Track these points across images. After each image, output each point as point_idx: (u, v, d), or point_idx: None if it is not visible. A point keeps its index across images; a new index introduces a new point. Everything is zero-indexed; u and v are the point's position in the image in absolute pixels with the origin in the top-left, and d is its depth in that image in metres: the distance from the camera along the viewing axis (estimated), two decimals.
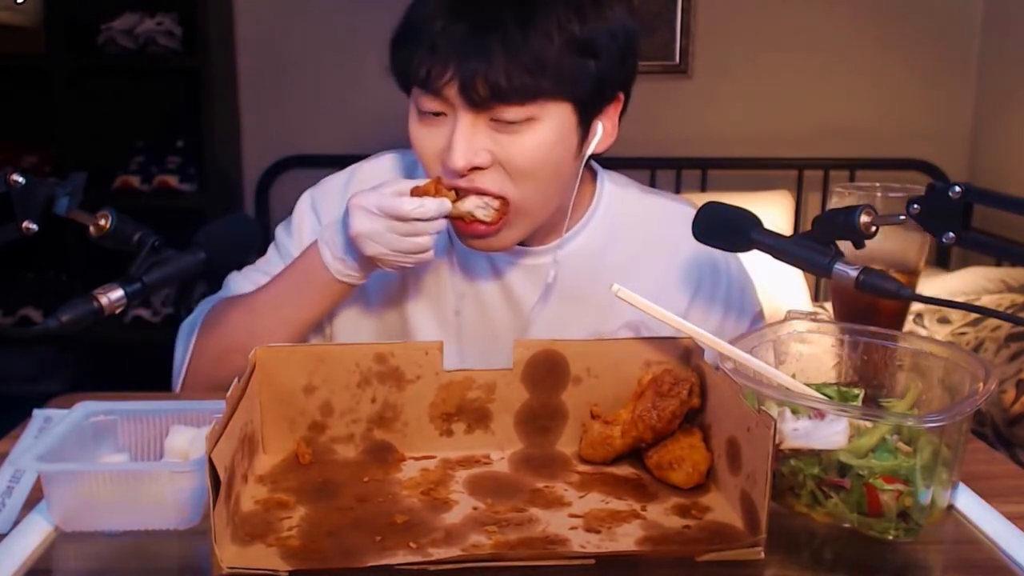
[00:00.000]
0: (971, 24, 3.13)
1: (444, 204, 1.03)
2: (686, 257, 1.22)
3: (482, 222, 1.07)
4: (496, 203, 1.07)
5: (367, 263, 1.09)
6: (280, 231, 1.27)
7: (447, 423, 0.97)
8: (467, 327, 1.22)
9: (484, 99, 1.00)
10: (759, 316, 1.28)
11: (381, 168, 1.26)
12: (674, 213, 1.24)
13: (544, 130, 1.04)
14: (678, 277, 1.22)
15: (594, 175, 1.24)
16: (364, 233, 1.04)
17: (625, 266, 1.20)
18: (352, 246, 1.08)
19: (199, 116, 2.99)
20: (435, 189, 1.04)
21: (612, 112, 1.11)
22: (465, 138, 1.02)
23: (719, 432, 0.89)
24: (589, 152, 1.11)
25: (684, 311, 1.21)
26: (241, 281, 1.24)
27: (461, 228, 1.09)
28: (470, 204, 1.06)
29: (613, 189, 1.23)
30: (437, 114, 1.05)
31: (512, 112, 1.01)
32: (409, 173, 1.23)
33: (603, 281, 1.14)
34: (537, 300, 1.20)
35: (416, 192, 1.04)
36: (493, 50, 0.98)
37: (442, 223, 1.05)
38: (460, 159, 1.02)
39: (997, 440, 1.95)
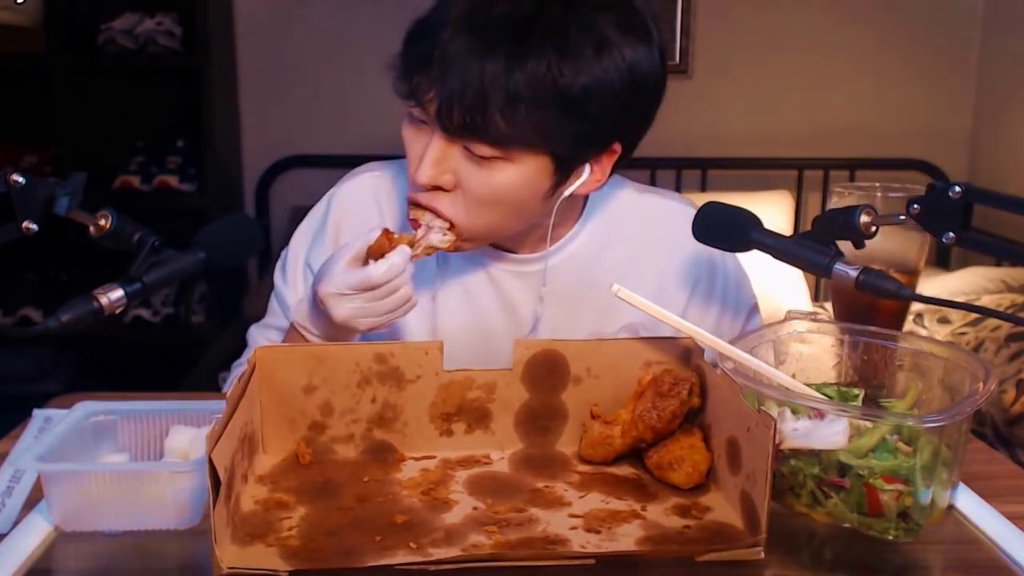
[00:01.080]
0: (971, 24, 3.13)
1: (406, 251, 1.03)
2: (684, 255, 1.22)
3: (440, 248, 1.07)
4: (446, 224, 1.06)
5: (340, 330, 1.09)
6: (277, 278, 1.26)
7: (447, 423, 0.97)
8: (445, 315, 1.20)
9: (457, 128, 0.99)
10: (754, 309, 1.28)
11: (358, 189, 1.24)
12: (670, 211, 1.24)
13: (513, 172, 1.02)
14: (676, 275, 1.22)
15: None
16: (349, 317, 1.04)
17: (623, 266, 1.20)
18: (338, 328, 1.07)
19: (199, 116, 2.98)
20: (389, 241, 1.03)
21: (605, 160, 1.08)
22: (434, 158, 1.02)
23: (719, 432, 0.89)
24: (568, 193, 1.08)
25: (683, 308, 1.21)
26: (259, 339, 1.25)
27: (412, 214, 1.09)
28: (433, 239, 1.06)
29: (608, 191, 1.23)
30: (423, 122, 1.04)
31: (484, 149, 1.00)
32: (387, 191, 1.22)
33: (600, 283, 1.15)
34: (535, 304, 1.19)
35: (372, 251, 1.03)
36: (475, 83, 0.96)
37: (412, 269, 1.04)
38: (424, 176, 1.02)
39: (997, 440, 1.95)
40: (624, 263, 1.20)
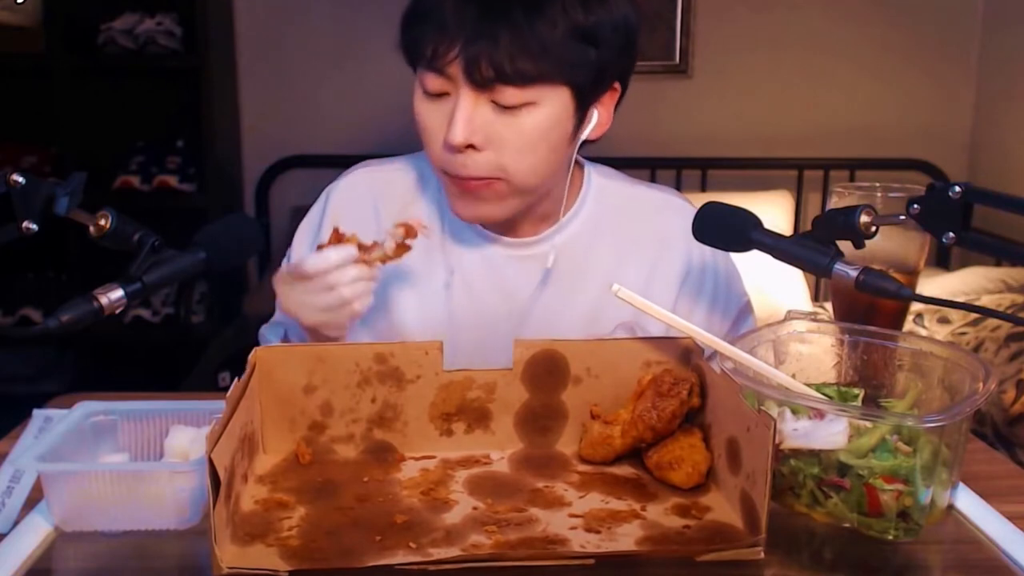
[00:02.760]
0: (971, 24, 3.13)
1: (348, 251, 1.04)
2: (675, 246, 1.23)
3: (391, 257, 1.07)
4: (400, 231, 1.06)
5: (315, 332, 1.10)
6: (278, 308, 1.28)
7: (447, 423, 0.97)
8: (457, 303, 1.21)
9: (487, 80, 1.02)
10: (747, 308, 1.29)
11: (354, 186, 1.26)
12: (662, 202, 1.26)
13: (542, 114, 1.06)
14: (667, 267, 1.24)
15: (581, 167, 1.25)
16: (292, 305, 1.07)
17: (615, 255, 1.22)
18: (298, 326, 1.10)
19: (199, 116, 2.98)
20: (338, 240, 1.05)
21: (608, 101, 1.14)
22: (466, 116, 1.04)
23: (719, 432, 0.89)
24: (583, 137, 1.13)
25: (672, 301, 1.22)
26: (272, 337, 1.26)
27: (454, 183, 1.10)
28: (388, 247, 1.07)
29: (601, 181, 1.25)
30: (440, 94, 1.07)
31: (512, 95, 1.03)
32: (383, 187, 1.24)
33: (595, 270, 1.19)
34: (534, 288, 1.20)
35: (320, 248, 1.05)
36: (499, 33, 1.00)
37: (357, 274, 1.04)
38: (459, 135, 1.04)
39: (997, 440, 1.95)
40: (616, 251, 1.22)
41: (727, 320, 1.26)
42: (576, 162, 1.22)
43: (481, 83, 1.03)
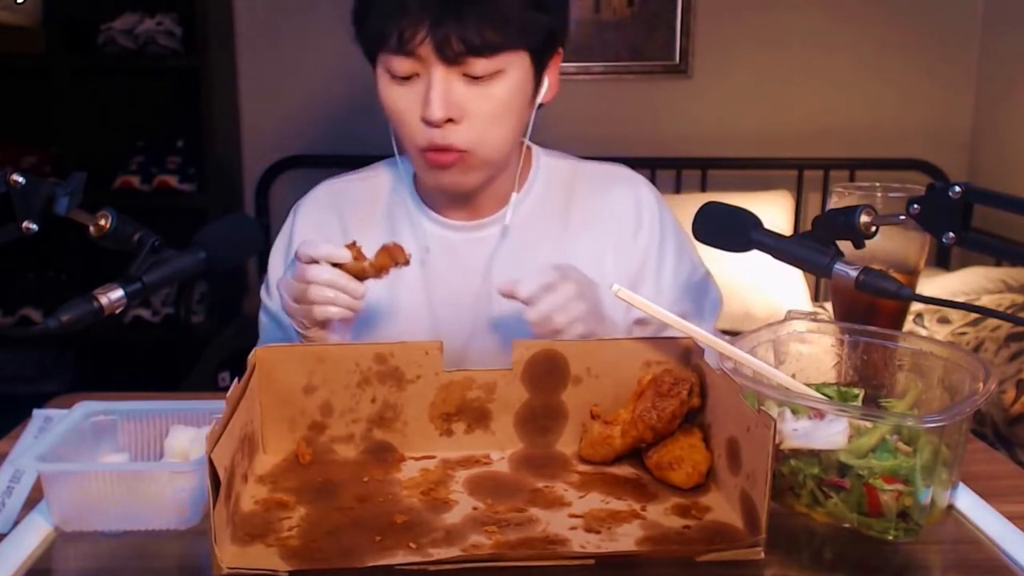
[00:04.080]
0: (971, 24, 3.13)
1: (336, 252, 1.04)
2: (624, 218, 1.28)
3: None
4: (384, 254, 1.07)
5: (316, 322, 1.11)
6: (263, 294, 1.32)
7: (447, 423, 0.97)
8: (434, 278, 1.25)
9: (457, 54, 1.07)
10: (706, 278, 1.32)
11: (316, 202, 1.32)
12: (610, 175, 1.31)
13: (510, 81, 1.11)
14: (618, 239, 1.27)
15: (530, 149, 1.30)
16: (287, 310, 1.08)
17: (567, 231, 1.26)
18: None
19: (199, 116, 2.98)
20: (390, 255, 1.06)
21: (555, 65, 1.20)
22: (441, 91, 1.08)
23: (719, 432, 0.89)
24: (539, 101, 1.19)
25: (626, 272, 1.26)
26: (264, 318, 1.31)
27: (430, 159, 1.13)
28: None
29: (549, 160, 1.30)
30: (409, 76, 1.10)
31: (482, 65, 1.08)
32: (346, 199, 1.30)
33: (546, 247, 1.24)
34: (489, 263, 1.24)
35: (375, 266, 1.06)
36: (464, 9, 1.05)
37: (330, 278, 1.04)
38: (438, 110, 1.08)
39: (997, 440, 1.95)
40: (568, 227, 1.27)
41: (678, 283, 1.29)
42: (526, 145, 1.28)
43: (452, 58, 1.07)
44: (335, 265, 1.04)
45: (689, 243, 1.31)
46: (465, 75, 1.09)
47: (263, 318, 1.32)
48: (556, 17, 1.15)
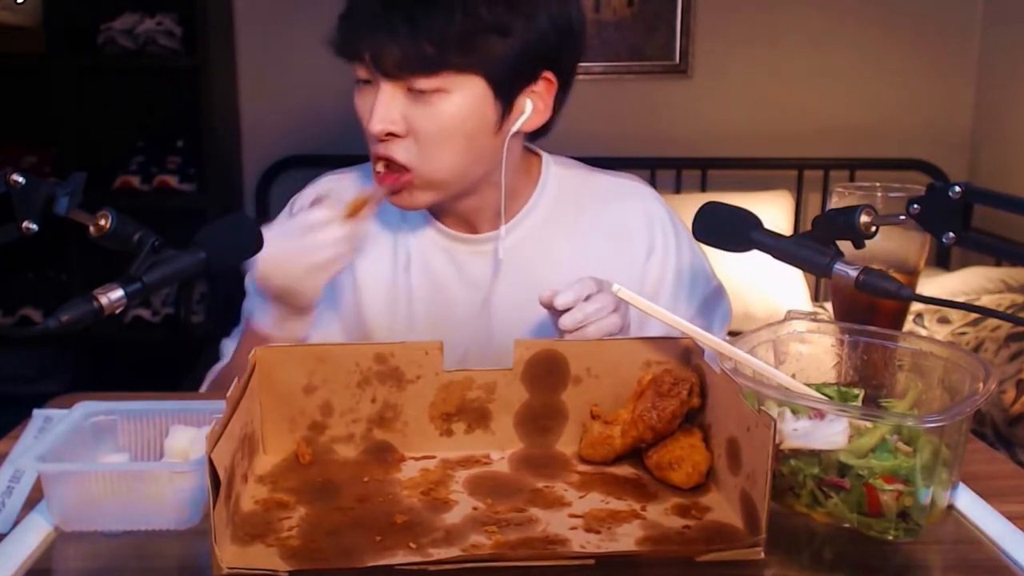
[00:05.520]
0: (971, 24, 3.13)
1: (333, 211, 1.08)
2: (635, 231, 1.26)
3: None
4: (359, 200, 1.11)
5: (284, 303, 1.13)
6: (248, 283, 1.30)
7: (447, 423, 0.97)
8: (416, 290, 1.25)
9: (393, 68, 1.07)
10: (718, 292, 1.31)
11: (314, 194, 1.31)
12: (620, 188, 1.29)
13: (455, 101, 1.09)
14: (627, 252, 1.26)
15: (540, 159, 1.28)
16: (271, 263, 1.07)
17: (575, 244, 1.24)
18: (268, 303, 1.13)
19: (199, 116, 2.98)
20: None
21: (543, 91, 1.15)
22: (383, 105, 1.09)
23: (719, 432, 0.89)
24: (514, 129, 1.15)
25: (635, 285, 1.23)
26: (231, 345, 1.30)
27: (378, 177, 1.14)
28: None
29: (559, 171, 1.28)
30: (367, 82, 1.12)
31: (424, 82, 1.07)
32: (348, 190, 1.27)
33: (554, 259, 1.22)
34: (490, 278, 1.23)
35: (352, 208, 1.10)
36: (397, 24, 1.06)
37: (341, 234, 1.08)
38: (377, 124, 1.09)
39: (997, 440, 1.95)
40: (576, 239, 1.25)
41: (693, 303, 1.28)
42: (536, 154, 1.26)
43: (390, 72, 1.08)
44: None
45: (702, 258, 1.30)
46: (410, 90, 1.09)
47: (246, 307, 1.30)
48: (527, 43, 1.09)
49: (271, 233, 1.05)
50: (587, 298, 1.05)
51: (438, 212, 1.24)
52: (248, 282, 1.25)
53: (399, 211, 1.25)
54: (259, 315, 1.16)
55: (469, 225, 1.24)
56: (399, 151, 1.11)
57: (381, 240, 1.26)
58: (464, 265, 1.24)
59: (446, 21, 1.05)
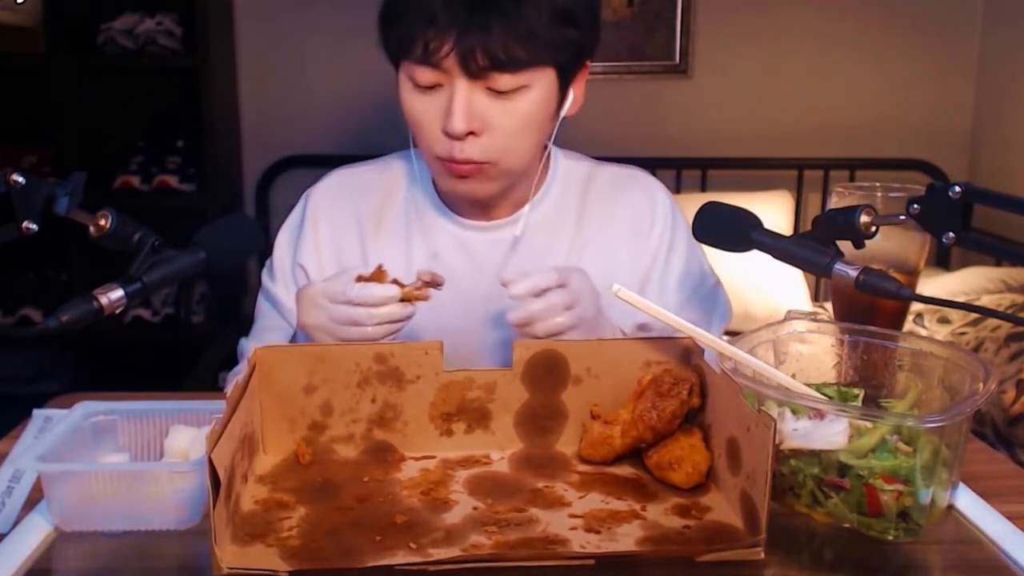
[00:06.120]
0: (971, 24, 3.13)
1: (391, 290, 1.01)
2: (641, 220, 1.28)
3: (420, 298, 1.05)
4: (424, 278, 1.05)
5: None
6: (266, 280, 1.31)
7: (447, 423, 0.97)
8: (446, 277, 1.22)
9: (482, 69, 1.06)
10: (716, 287, 1.32)
11: (330, 186, 1.31)
12: (625, 178, 1.31)
13: (533, 97, 1.11)
14: (630, 242, 1.28)
15: (547, 150, 1.29)
16: (311, 324, 1.05)
17: (581, 233, 1.26)
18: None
19: (199, 116, 2.98)
20: (379, 276, 1.03)
21: (581, 78, 1.19)
22: (464, 105, 1.08)
23: (719, 432, 0.89)
24: (563, 114, 1.19)
25: (637, 275, 1.26)
26: (251, 348, 1.25)
27: (448, 168, 1.13)
28: (419, 292, 1.05)
29: (567, 162, 1.31)
30: (432, 86, 1.10)
31: (506, 81, 1.08)
32: (359, 186, 1.29)
33: (560, 249, 1.25)
34: (502, 262, 1.24)
35: (361, 279, 1.03)
36: (491, 23, 1.04)
37: (390, 313, 1.01)
38: (460, 123, 1.08)
39: (997, 440, 1.95)
40: (581, 229, 1.27)
41: (690, 293, 1.29)
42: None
43: (476, 72, 1.07)
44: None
45: (702, 253, 1.31)
46: (489, 89, 1.09)
47: (263, 302, 1.30)
48: (585, 32, 1.13)
49: (324, 290, 1.03)
50: (543, 293, 1.03)
51: (453, 203, 1.26)
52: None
53: (403, 200, 1.26)
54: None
55: (484, 214, 1.25)
56: (477, 150, 1.11)
57: (395, 234, 1.26)
58: (476, 254, 1.25)
59: (534, 17, 1.06)
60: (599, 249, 1.25)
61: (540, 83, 1.11)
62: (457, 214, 1.25)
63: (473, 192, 1.17)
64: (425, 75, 1.09)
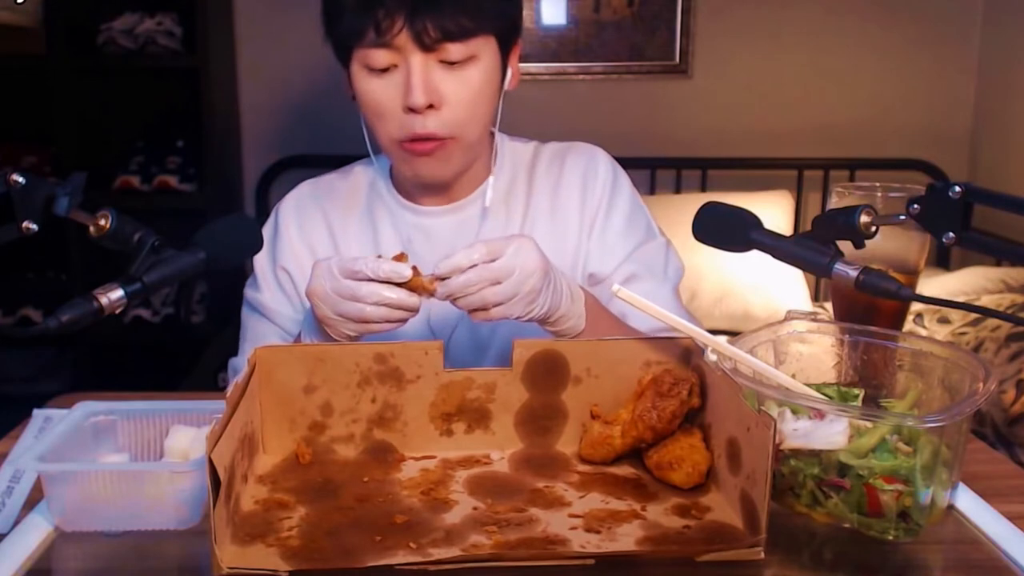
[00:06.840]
0: (971, 24, 3.13)
1: (401, 267, 0.97)
2: (588, 187, 1.31)
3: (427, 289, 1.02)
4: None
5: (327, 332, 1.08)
6: (248, 292, 1.33)
7: (447, 423, 0.97)
8: (419, 266, 1.23)
9: (434, 40, 1.11)
10: (666, 245, 1.34)
11: (299, 197, 1.36)
12: (566, 149, 1.35)
13: (482, 66, 1.16)
14: (575, 208, 1.30)
15: (493, 135, 1.33)
16: (315, 291, 1.02)
17: (532, 208, 1.30)
18: (318, 329, 1.07)
19: (199, 116, 2.98)
20: (401, 261, 0.99)
21: (515, 54, 1.24)
22: (421, 78, 1.12)
23: (719, 432, 0.89)
24: (505, 89, 1.24)
25: (581, 236, 1.29)
26: (243, 361, 1.26)
27: (409, 148, 1.16)
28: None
29: (513, 145, 1.35)
30: (387, 68, 1.14)
31: (457, 50, 1.13)
32: (326, 192, 1.34)
33: (517, 220, 1.29)
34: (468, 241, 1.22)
35: (407, 286, 0.99)
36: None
37: (392, 297, 0.98)
38: (420, 96, 1.12)
39: (997, 440, 1.95)
40: (533, 205, 1.30)
41: (638, 251, 1.30)
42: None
43: (429, 45, 1.11)
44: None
45: (646, 211, 1.34)
46: (441, 61, 1.13)
47: (248, 316, 1.32)
48: (517, 5, 1.21)
49: (335, 260, 1.00)
50: (460, 270, 0.98)
51: (413, 193, 1.28)
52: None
53: (367, 199, 1.30)
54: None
55: (444, 198, 1.28)
56: (437, 123, 1.14)
57: (362, 230, 1.30)
58: (442, 238, 1.27)
59: None
60: (550, 218, 1.29)
61: (486, 53, 1.16)
62: (417, 203, 1.28)
63: (434, 173, 1.20)
64: (380, 57, 1.13)
